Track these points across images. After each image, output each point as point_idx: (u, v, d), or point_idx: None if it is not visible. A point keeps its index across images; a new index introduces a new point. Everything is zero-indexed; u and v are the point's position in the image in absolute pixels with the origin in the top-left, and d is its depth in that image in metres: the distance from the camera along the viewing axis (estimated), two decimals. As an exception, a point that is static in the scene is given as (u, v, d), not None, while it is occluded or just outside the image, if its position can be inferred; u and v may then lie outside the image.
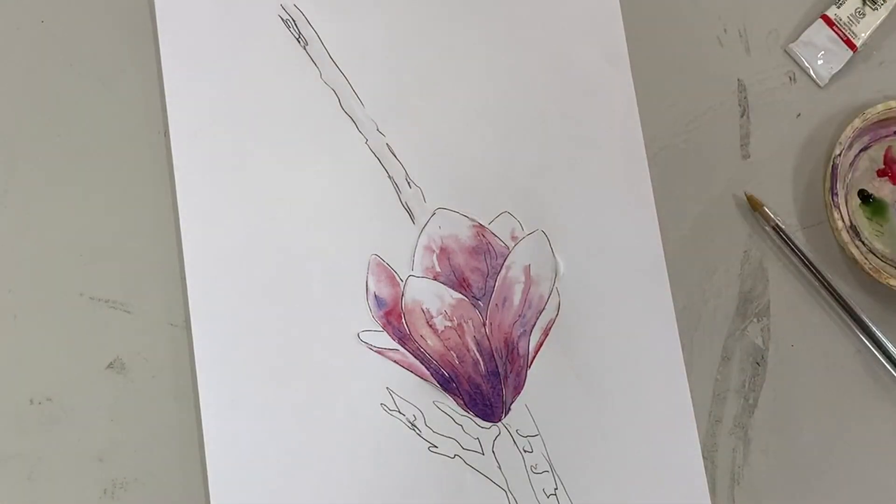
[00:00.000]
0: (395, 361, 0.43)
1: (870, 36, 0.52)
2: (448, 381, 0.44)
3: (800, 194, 0.50)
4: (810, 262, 0.49)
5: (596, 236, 0.47)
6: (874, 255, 0.49)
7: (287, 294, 0.43)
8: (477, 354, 0.44)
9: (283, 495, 0.41)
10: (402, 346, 0.44)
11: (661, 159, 0.49)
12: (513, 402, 0.45)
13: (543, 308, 0.46)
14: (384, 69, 0.46)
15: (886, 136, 0.51)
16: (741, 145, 0.50)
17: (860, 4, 0.52)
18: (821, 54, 0.51)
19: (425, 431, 0.43)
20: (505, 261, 0.45)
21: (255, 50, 0.44)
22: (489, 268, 0.45)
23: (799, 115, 0.51)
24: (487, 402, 0.44)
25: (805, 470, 0.48)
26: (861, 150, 0.51)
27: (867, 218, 0.50)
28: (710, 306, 0.48)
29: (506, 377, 0.45)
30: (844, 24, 0.51)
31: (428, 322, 0.44)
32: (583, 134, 0.48)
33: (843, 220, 0.49)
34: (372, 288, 0.44)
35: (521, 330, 0.45)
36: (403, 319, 0.44)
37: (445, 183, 0.46)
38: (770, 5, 0.52)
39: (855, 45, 0.51)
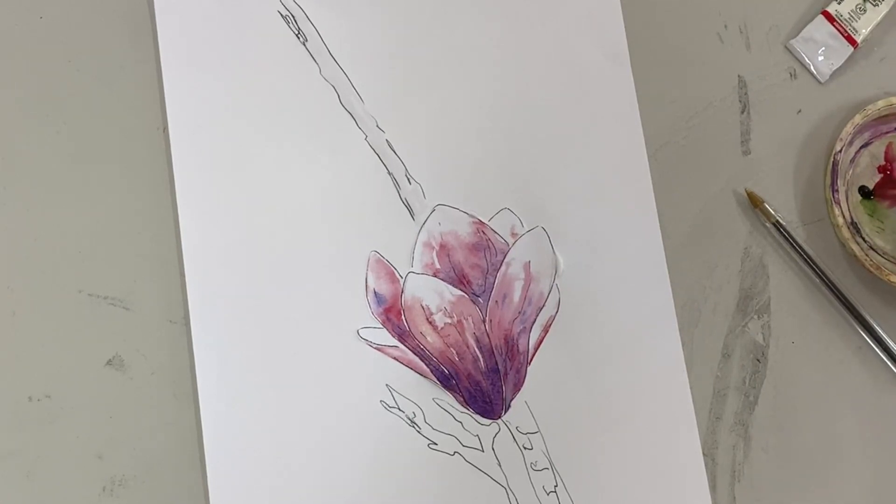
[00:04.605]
0: (394, 358, 0.43)
1: (871, 32, 0.51)
2: (448, 378, 0.44)
3: (800, 191, 0.50)
4: (811, 259, 0.49)
5: (596, 233, 0.47)
6: (875, 251, 0.49)
7: (286, 291, 0.42)
8: (477, 351, 0.44)
9: (283, 492, 0.41)
10: (401, 342, 0.44)
11: (662, 156, 0.49)
12: (513, 399, 0.44)
13: (543, 305, 0.46)
14: (384, 65, 0.46)
15: (887, 133, 0.51)
16: (742, 142, 0.50)
17: (861, 1, 0.51)
18: (821, 50, 0.51)
19: (425, 429, 0.43)
20: (505, 257, 0.45)
21: (255, 46, 0.44)
22: (489, 264, 0.45)
23: (799, 111, 0.51)
24: (487, 399, 0.44)
25: (805, 467, 0.48)
26: (862, 147, 0.51)
27: (868, 214, 0.50)
28: (710, 303, 0.48)
29: (506, 374, 0.45)
30: (845, 20, 0.51)
31: (427, 319, 0.44)
32: (583, 130, 0.47)
33: (844, 217, 0.49)
34: (371, 284, 0.44)
35: (521, 327, 0.45)
36: (403, 316, 0.44)
37: (445, 179, 0.45)
38: (770, 1, 0.52)
39: (856, 42, 0.51)
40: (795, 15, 0.52)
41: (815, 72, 0.51)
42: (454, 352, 0.44)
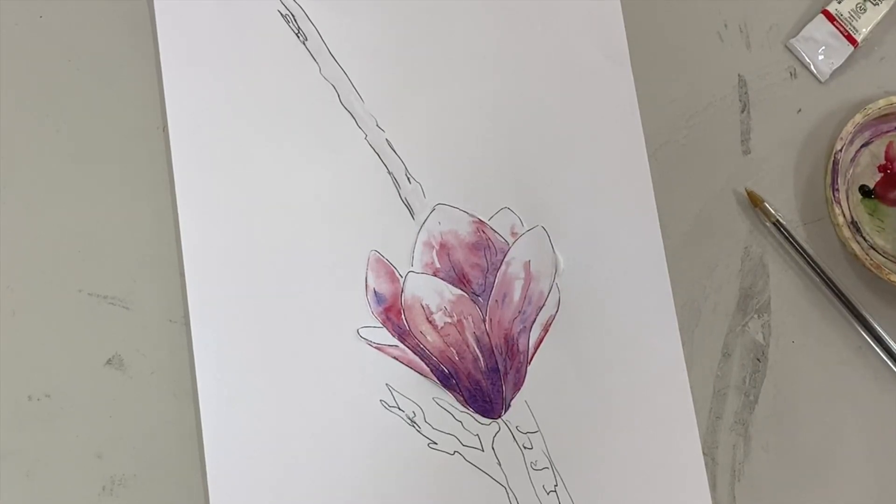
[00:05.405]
0: (394, 358, 0.43)
1: (871, 31, 0.51)
2: (448, 378, 0.44)
3: (800, 190, 0.50)
4: (811, 258, 0.49)
5: (596, 232, 0.47)
6: (875, 250, 0.49)
7: (286, 290, 0.42)
8: (477, 351, 0.44)
9: (282, 491, 0.41)
10: (401, 342, 0.44)
11: (662, 155, 0.49)
12: (513, 398, 0.44)
13: (543, 304, 0.46)
14: (384, 64, 0.46)
15: (888, 132, 0.51)
16: (742, 141, 0.50)
17: (861, 0, 0.51)
18: (821, 49, 0.51)
19: (425, 428, 0.43)
20: (505, 257, 0.45)
21: (255, 45, 0.44)
22: (489, 264, 0.45)
23: (800, 110, 0.51)
24: (487, 399, 0.44)
25: (805, 466, 0.48)
26: (862, 146, 0.51)
27: (868, 214, 0.50)
28: (710, 302, 0.48)
29: (506, 374, 0.45)
30: (845, 19, 0.51)
31: (427, 318, 0.44)
32: (583, 130, 0.47)
33: (844, 216, 0.49)
34: (371, 284, 0.44)
35: (521, 326, 0.45)
36: (403, 316, 0.44)
37: (445, 179, 0.45)
38: (770, 0, 0.52)
39: (856, 41, 0.51)
40: (795, 14, 0.52)
41: (815, 71, 0.51)
42: (454, 351, 0.44)
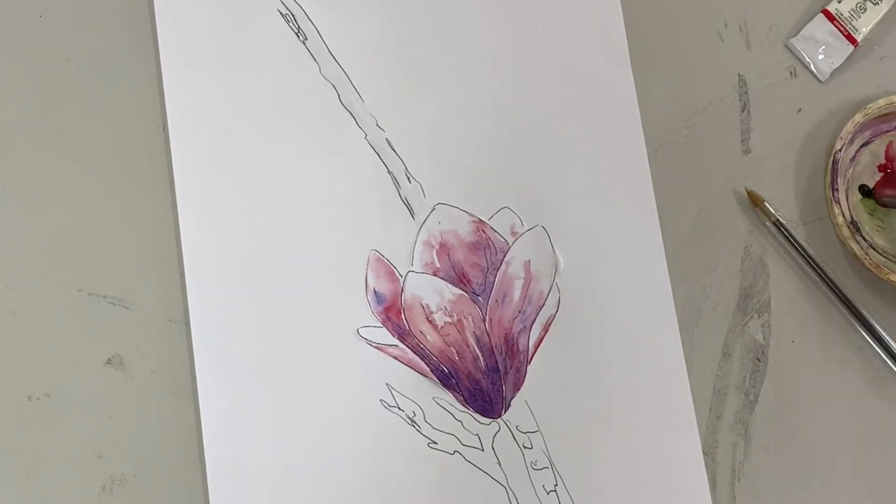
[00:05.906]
0: (394, 357, 0.43)
1: (871, 31, 0.51)
2: (448, 377, 0.44)
3: (800, 190, 0.50)
4: (811, 258, 0.49)
5: (596, 232, 0.47)
6: (875, 250, 0.49)
7: (286, 289, 0.42)
8: (477, 350, 0.44)
9: (282, 491, 0.41)
10: (401, 341, 0.44)
11: (662, 155, 0.49)
12: (513, 398, 0.44)
13: (543, 304, 0.46)
14: (384, 64, 0.46)
15: (888, 132, 0.51)
16: (742, 141, 0.50)
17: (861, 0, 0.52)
18: (821, 49, 0.51)
19: (425, 428, 0.43)
20: (505, 256, 0.45)
21: (255, 45, 0.44)
22: (489, 263, 0.45)
23: (800, 110, 0.51)
24: (487, 399, 0.44)
25: (806, 466, 0.48)
26: (862, 146, 0.51)
27: (868, 213, 0.50)
28: (710, 302, 0.48)
29: (506, 373, 0.45)
30: (845, 18, 0.51)
31: (427, 318, 0.44)
32: (583, 129, 0.47)
33: (844, 216, 0.49)
34: (371, 283, 0.44)
35: (521, 326, 0.45)
36: (403, 315, 0.44)
37: (445, 178, 0.45)
38: (771, 0, 0.52)
39: (856, 40, 0.51)
40: (796, 14, 0.52)
41: (815, 70, 0.51)
42: (454, 351, 0.44)
